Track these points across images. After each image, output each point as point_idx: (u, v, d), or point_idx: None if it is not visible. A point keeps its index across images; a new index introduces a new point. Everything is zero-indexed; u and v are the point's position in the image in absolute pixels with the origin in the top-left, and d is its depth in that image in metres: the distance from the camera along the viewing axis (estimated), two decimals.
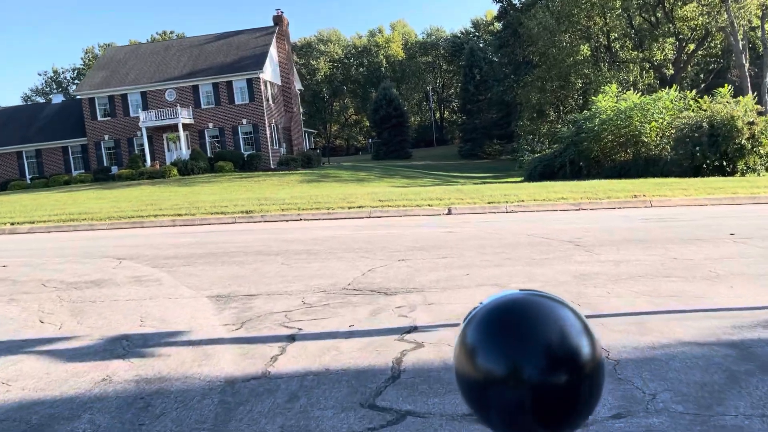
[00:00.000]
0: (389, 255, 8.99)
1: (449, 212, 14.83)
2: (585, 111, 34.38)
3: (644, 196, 14.86)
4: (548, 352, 0.66)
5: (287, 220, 15.23)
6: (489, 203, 15.17)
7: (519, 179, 34.95)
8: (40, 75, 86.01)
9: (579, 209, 14.35)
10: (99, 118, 44.68)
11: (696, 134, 25.45)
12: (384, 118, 73.13)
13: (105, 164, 44.23)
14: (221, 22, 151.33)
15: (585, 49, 44.22)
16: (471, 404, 0.71)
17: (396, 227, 12.40)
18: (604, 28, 45.58)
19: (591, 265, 7.62)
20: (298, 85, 53.34)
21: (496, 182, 30.88)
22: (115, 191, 29.64)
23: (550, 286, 6.64)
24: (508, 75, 58.94)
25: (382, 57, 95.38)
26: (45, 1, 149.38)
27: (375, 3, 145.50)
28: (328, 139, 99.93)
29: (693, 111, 28.32)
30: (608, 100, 31.01)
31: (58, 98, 50.56)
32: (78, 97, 46.09)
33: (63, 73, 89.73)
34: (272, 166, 43.22)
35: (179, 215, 16.28)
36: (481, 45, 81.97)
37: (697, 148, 25.20)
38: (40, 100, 75.59)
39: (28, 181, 43.61)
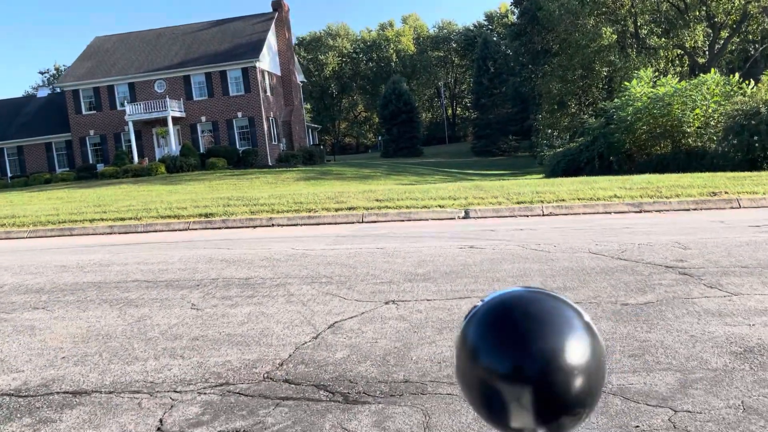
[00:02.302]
0: (373, 291, 5.43)
1: (466, 216, 11.23)
2: (615, 99, 30.70)
3: (726, 193, 11.18)
4: (549, 350, 0.66)
5: (254, 226, 11.69)
6: (519, 203, 11.54)
7: (540, 176, 31.32)
8: (42, 73, 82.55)
9: (641, 211, 10.71)
10: (84, 112, 41.21)
11: (753, 122, 21.79)
12: (393, 114, 69.37)
13: (90, 161, 40.79)
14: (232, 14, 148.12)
15: (610, 33, 40.23)
16: (472, 402, 0.71)
17: (393, 238, 8.82)
18: (633, 10, 41.54)
19: (745, 319, 4.02)
20: (300, 77, 49.67)
21: (517, 178, 27.22)
22: (86, 190, 26.25)
23: (705, 382, 3.05)
24: (526, 65, 55.00)
25: (392, 51, 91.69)
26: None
27: None
28: (336, 137, 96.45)
29: (745, 96, 24.70)
30: (643, 86, 27.34)
31: (44, 92, 47.25)
32: (62, 89, 42.79)
33: (67, 69, 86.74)
34: (270, 163, 39.66)
35: (122, 220, 12.79)
36: (495, 39, 78.05)
37: (755, 138, 21.50)
38: None
39: (9, 180, 40.39)
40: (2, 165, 42.66)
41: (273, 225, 11.71)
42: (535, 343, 0.66)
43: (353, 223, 11.36)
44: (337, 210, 12.17)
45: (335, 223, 11.43)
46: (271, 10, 44.73)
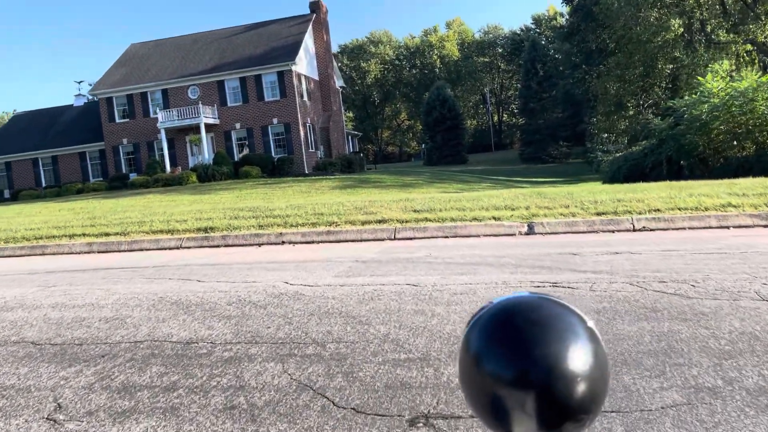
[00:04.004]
0: (391, 383, 2.89)
1: (530, 231, 8.59)
2: (686, 97, 27.39)
3: None
4: (553, 356, 0.66)
5: (260, 244, 9.30)
6: (599, 214, 8.83)
7: (597, 183, 28.22)
8: (84, 83, 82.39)
9: None
10: (117, 120, 39.96)
11: None
12: (437, 121, 66.68)
13: (123, 171, 39.45)
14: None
15: (677, 25, 36.75)
16: (474, 408, 0.71)
17: (432, 266, 6.27)
18: (699, 0, 37.98)
19: None
20: (339, 82, 47.52)
21: (577, 185, 24.22)
22: (107, 201, 24.53)
23: None
24: (578, 65, 51.62)
25: (435, 57, 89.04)
26: (90, 11, 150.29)
27: (430, 3, 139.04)
28: (379, 145, 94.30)
29: None
30: (718, 81, 24.04)
31: (80, 101, 46.37)
32: (96, 96, 41.70)
33: (101, 77, 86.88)
34: (306, 171, 37.54)
35: (106, 235, 10.61)
36: (543, 42, 74.70)
37: None
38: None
39: (42, 191, 39.39)
40: (37, 175, 41.78)
41: (283, 242, 9.30)
42: (539, 348, 0.65)
43: (382, 240, 8.84)
44: (363, 223, 9.68)
45: (360, 240, 8.94)
46: (308, 11, 42.83)
